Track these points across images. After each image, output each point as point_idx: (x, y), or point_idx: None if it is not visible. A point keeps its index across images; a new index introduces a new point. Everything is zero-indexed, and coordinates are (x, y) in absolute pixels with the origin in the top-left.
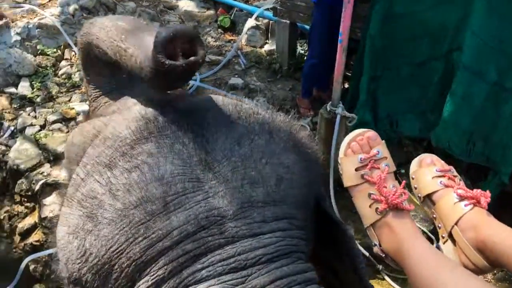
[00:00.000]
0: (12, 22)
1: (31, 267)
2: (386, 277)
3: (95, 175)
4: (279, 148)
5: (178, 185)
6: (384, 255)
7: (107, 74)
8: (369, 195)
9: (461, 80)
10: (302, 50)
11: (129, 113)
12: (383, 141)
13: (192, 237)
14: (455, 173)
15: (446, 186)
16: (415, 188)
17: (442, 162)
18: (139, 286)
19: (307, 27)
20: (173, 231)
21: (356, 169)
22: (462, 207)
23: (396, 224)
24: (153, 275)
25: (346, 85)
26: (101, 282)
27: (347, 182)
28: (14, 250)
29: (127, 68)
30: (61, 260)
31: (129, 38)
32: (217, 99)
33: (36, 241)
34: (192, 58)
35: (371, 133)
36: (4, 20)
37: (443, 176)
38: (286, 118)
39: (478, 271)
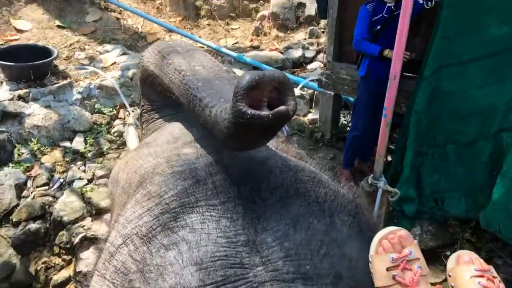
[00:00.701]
0: (76, 82)
1: None
2: None
3: (131, 247)
4: (341, 236)
5: (217, 272)
6: None
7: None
8: None
9: None
10: (345, 120)
11: (178, 161)
12: (416, 241)
13: None
14: (495, 274)
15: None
16: (452, 287)
17: (481, 260)
18: None
19: (351, 99)
20: None
21: (388, 269)
22: None
23: None
24: None
25: (389, 158)
26: None
27: (378, 282)
28: None
29: (200, 122)
30: None
31: (205, 87)
32: (277, 161)
33: None
34: (281, 108)
35: (403, 232)
36: (68, 80)
37: (482, 276)
38: (350, 192)
39: None
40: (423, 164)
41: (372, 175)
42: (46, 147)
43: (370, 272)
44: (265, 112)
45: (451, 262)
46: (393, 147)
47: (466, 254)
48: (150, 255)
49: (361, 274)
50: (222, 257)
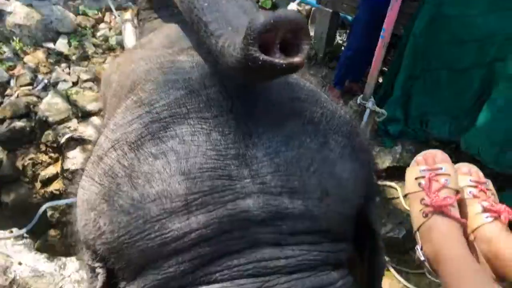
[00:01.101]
0: None
1: (49, 213)
2: (391, 269)
3: (119, 152)
4: (333, 155)
5: (205, 182)
6: (423, 259)
7: None
8: (421, 200)
9: (502, 90)
10: (340, 40)
11: (172, 69)
12: (451, 164)
13: (210, 241)
14: (490, 187)
15: (475, 197)
16: None
17: (481, 174)
18: (146, 275)
19: (350, 17)
20: (190, 234)
21: (416, 178)
22: (483, 218)
23: (438, 228)
24: (164, 271)
25: (380, 80)
26: (112, 258)
27: (406, 190)
28: (34, 195)
29: (205, 44)
30: (78, 223)
31: (212, 8)
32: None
33: (56, 190)
34: (296, 59)
35: (439, 152)
36: None
37: (475, 186)
38: (347, 113)
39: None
40: (414, 87)
41: (362, 95)
42: (29, 46)
43: (356, 191)
44: (279, 60)
45: None
46: (386, 69)
47: (465, 166)
48: (138, 162)
49: (350, 193)
50: (211, 169)
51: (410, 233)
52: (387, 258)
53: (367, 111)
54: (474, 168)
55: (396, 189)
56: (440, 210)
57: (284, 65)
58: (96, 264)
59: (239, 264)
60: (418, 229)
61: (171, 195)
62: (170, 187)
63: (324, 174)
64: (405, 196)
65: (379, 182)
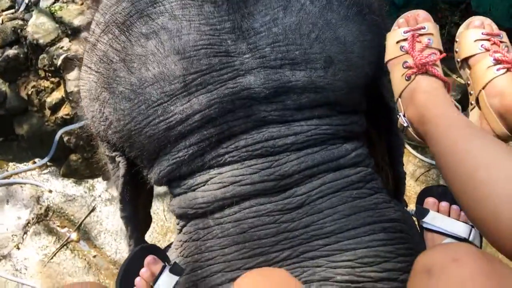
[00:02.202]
0: None
1: (65, 138)
2: (407, 145)
3: (109, 36)
4: (337, 18)
5: (201, 61)
6: (406, 124)
7: None
8: (403, 63)
9: None
10: None
11: None
12: (434, 23)
13: (215, 122)
14: (505, 39)
15: (486, 50)
16: (456, 52)
17: (494, 26)
18: (160, 161)
19: None
20: (193, 115)
21: (397, 42)
22: (493, 71)
23: (423, 89)
24: (174, 156)
25: None
26: (126, 148)
27: (387, 56)
28: (46, 123)
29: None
30: (87, 117)
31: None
32: None
33: (66, 115)
34: None
35: (421, 11)
36: None
37: (488, 40)
38: None
39: (497, 138)
40: None
41: None
42: None
43: (364, 56)
44: None
45: (461, 27)
46: None
47: (478, 19)
48: (130, 44)
49: (356, 58)
50: (206, 46)
51: None
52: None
53: None
54: (487, 21)
55: None
56: (424, 70)
57: None
58: (114, 154)
59: (247, 145)
60: (400, 95)
61: (169, 77)
62: (166, 68)
63: (327, 41)
64: (386, 63)
65: None
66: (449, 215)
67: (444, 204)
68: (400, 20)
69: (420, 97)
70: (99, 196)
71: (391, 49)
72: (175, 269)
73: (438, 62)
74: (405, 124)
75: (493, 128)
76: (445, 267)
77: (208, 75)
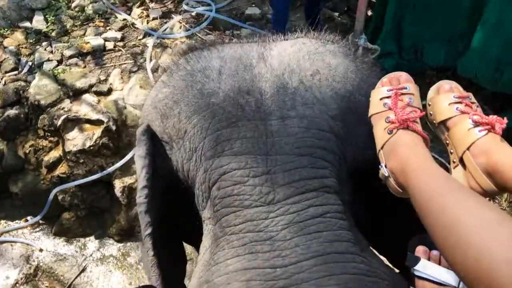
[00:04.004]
0: None
1: (59, 197)
2: None
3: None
4: (327, 51)
5: (233, 63)
6: (387, 174)
7: None
8: (386, 118)
9: (493, 8)
10: None
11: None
12: (415, 85)
13: (233, 102)
14: (473, 100)
15: (462, 113)
16: (431, 115)
17: (461, 88)
18: (187, 131)
19: None
20: (219, 92)
21: (381, 99)
22: (476, 133)
23: (404, 142)
24: (199, 122)
25: (369, 13)
26: (162, 124)
27: (371, 111)
28: (42, 182)
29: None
30: (143, 109)
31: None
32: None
33: (63, 173)
34: None
35: (404, 73)
36: None
37: (460, 102)
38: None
39: (485, 195)
40: (405, 16)
41: (352, 33)
42: (6, 29)
43: (347, 79)
44: None
45: (431, 92)
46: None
47: (446, 83)
48: (193, 55)
49: (339, 75)
50: (237, 58)
51: None
52: None
53: (360, 49)
54: (453, 84)
55: None
56: (405, 125)
57: None
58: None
59: (251, 137)
60: (382, 147)
61: (210, 67)
62: (210, 64)
63: (316, 61)
64: (369, 117)
65: None
66: (439, 264)
67: (435, 253)
68: (384, 79)
69: (401, 150)
70: (91, 255)
71: (375, 105)
72: None
73: (418, 120)
74: (386, 174)
75: (482, 185)
76: None
77: (235, 72)
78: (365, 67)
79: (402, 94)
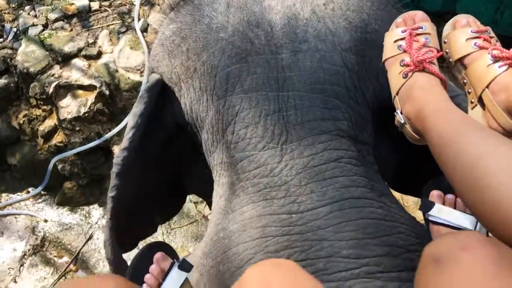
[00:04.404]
0: None
1: (59, 166)
2: None
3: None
4: None
5: (243, 11)
6: (403, 121)
7: None
8: (401, 62)
9: None
10: None
11: None
12: (431, 23)
13: (242, 36)
14: (492, 34)
15: (481, 48)
16: (447, 53)
17: (479, 23)
18: (197, 69)
19: None
20: (228, 26)
21: (395, 41)
22: (495, 69)
23: (420, 85)
24: (208, 59)
25: None
26: (170, 63)
27: (385, 55)
28: (39, 152)
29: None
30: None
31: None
32: None
33: (60, 142)
34: None
35: (419, 12)
36: None
37: (478, 37)
38: None
39: (507, 135)
40: None
41: None
42: None
43: (362, 5)
44: None
45: (447, 27)
46: None
47: (463, 17)
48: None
49: (353, 4)
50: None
51: None
52: None
53: None
54: (471, 18)
55: None
56: (421, 67)
57: None
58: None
59: (261, 73)
60: (397, 93)
61: (218, 0)
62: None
63: None
64: (383, 62)
65: None
66: (455, 208)
67: (450, 197)
68: (398, 20)
69: (417, 93)
70: (96, 223)
71: (389, 48)
72: (184, 266)
73: (435, 60)
74: (402, 121)
75: (502, 124)
76: (453, 256)
77: (244, 3)
78: None
79: (418, 34)
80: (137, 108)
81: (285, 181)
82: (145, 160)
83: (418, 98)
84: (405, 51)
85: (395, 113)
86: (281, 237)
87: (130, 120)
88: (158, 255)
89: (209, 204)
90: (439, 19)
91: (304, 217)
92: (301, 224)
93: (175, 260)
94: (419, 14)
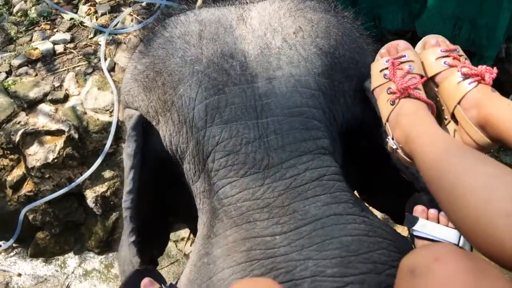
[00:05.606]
0: None
1: (30, 216)
2: None
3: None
4: (307, 7)
5: (212, 26)
6: (395, 146)
7: None
8: (387, 90)
9: None
10: None
11: None
12: (413, 50)
13: (217, 68)
14: (461, 52)
15: (451, 66)
16: None
17: (448, 42)
18: (174, 102)
19: None
20: (202, 58)
21: (381, 70)
22: (465, 86)
23: (406, 111)
24: (185, 92)
25: None
26: (146, 97)
27: (373, 85)
28: (8, 203)
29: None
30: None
31: None
32: None
33: (29, 192)
34: None
35: (401, 41)
36: None
37: (448, 56)
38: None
39: (479, 148)
40: None
41: None
42: None
43: (331, 34)
44: None
45: (417, 48)
46: None
47: (432, 38)
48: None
49: (322, 31)
50: (216, 21)
51: None
52: None
53: None
54: (440, 38)
55: None
56: (406, 94)
57: None
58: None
59: (240, 102)
60: (387, 120)
61: (189, 33)
62: (189, 29)
63: (298, 17)
64: (371, 92)
65: None
66: (438, 222)
67: (433, 212)
68: (382, 50)
69: (404, 119)
70: (72, 272)
71: (376, 78)
72: None
73: (420, 86)
74: (394, 147)
75: (475, 139)
76: (427, 267)
77: (216, 35)
78: (347, 21)
79: (402, 62)
80: (129, 147)
81: (268, 203)
82: (151, 180)
83: (405, 123)
84: (390, 80)
85: (387, 139)
86: (265, 260)
87: (126, 161)
88: (145, 281)
89: (194, 232)
90: (399, 37)
91: (288, 237)
92: (285, 245)
93: (162, 286)
94: (401, 44)
